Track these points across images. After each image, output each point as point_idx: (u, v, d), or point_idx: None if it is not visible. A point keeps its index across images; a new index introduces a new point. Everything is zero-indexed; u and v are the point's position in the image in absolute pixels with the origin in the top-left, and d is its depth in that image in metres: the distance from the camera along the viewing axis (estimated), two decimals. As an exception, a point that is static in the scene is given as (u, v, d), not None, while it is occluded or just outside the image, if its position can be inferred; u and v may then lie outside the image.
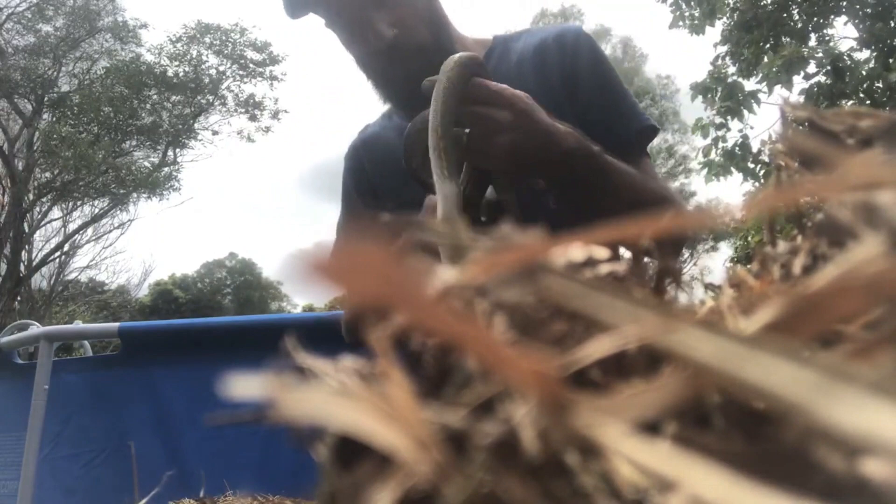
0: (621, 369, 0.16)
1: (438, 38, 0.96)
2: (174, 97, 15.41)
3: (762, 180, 6.55)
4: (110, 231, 15.57)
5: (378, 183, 1.04)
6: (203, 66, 15.59)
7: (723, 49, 7.16)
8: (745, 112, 6.53)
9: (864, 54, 6.63)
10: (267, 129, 16.59)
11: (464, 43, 1.02)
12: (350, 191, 1.09)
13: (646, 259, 0.21)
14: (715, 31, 7.20)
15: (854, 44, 6.75)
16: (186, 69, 15.41)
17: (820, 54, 6.28)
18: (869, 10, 6.39)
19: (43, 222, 14.66)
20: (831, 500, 0.11)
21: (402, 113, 1.05)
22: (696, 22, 6.99)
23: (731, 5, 7.08)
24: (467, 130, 0.70)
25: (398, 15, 0.92)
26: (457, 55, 0.71)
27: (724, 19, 7.14)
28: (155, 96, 15.27)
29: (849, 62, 6.26)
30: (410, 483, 0.13)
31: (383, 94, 0.99)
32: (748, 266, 0.24)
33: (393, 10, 0.92)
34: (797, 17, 7.06)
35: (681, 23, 7.08)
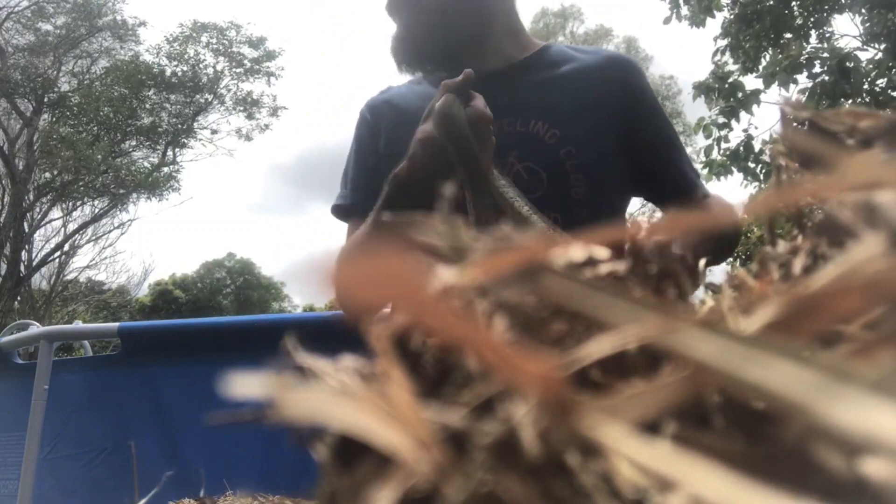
0: (622, 369, 0.16)
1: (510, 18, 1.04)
2: (173, 97, 15.40)
3: (762, 180, 6.51)
4: (110, 231, 15.55)
5: (392, 145, 1.02)
6: (201, 66, 15.59)
7: (723, 43, 7.11)
8: (744, 113, 6.50)
9: (868, 52, 6.57)
10: (265, 127, 16.58)
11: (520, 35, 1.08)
12: (365, 144, 1.08)
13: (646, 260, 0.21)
14: (716, 22, 7.15)
15: (858, 42, 6.69)
16: (184, 68, 15.41)
17: (826, 55, 6.21)
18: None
19: (43, 222, 14.65)
20: (831, 500, 0.11)
21: (432, 69, 1.06)
22: (700, 16, 6.92)
23: (730, -2, 7.02)
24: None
25: None
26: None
27: (725, 11, 7.08)
28: (154, 96, 15.26)
29: (852, 63, 6.20)
30: (410, 483, 0.13)
31: (423, 46, 1.02)
32: (748, 265, 0.24)
33: None
34: (798, 14, 7.00)
35: (675, 18, 7.01)
